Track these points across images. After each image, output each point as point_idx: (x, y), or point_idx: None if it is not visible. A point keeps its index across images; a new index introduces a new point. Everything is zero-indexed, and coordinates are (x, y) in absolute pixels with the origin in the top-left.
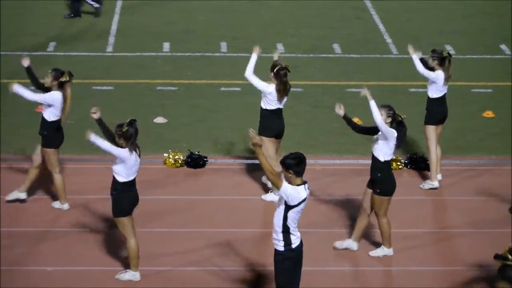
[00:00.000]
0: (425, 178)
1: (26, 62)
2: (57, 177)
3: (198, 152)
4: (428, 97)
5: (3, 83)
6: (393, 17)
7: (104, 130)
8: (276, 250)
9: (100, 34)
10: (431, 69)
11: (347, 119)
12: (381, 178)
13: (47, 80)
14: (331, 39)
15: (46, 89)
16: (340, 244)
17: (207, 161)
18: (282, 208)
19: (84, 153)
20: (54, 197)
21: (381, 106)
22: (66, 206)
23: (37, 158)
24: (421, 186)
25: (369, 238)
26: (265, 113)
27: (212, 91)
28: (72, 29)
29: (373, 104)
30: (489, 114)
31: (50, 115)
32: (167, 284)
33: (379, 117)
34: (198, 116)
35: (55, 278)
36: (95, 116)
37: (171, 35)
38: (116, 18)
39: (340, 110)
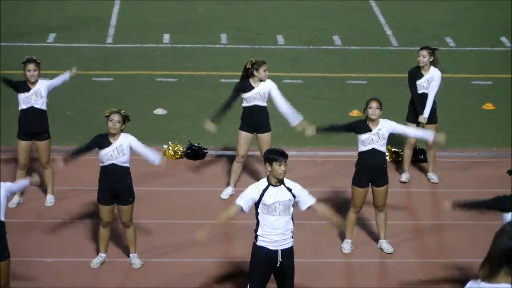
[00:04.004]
0: (423, 170)
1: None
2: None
3: (198, 143)
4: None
5: (3, 73)
6: (393, 8)
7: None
8: (292, 247)
9: (100, 25)
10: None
11: (323, 130)
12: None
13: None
14: (331, 30)
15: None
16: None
17: (207, 152)
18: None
19: None
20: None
21: (372, 99)
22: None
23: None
24: (432, 181)
25: (367, 230)
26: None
27: (212, 82)
28: (72, 20)
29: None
30: (489, 106)
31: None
32: (168, 275)
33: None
34: (198, 107)
35: (55, 269)
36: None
37: (171, 26)
38: (116, 9)
39: (310, 131)
